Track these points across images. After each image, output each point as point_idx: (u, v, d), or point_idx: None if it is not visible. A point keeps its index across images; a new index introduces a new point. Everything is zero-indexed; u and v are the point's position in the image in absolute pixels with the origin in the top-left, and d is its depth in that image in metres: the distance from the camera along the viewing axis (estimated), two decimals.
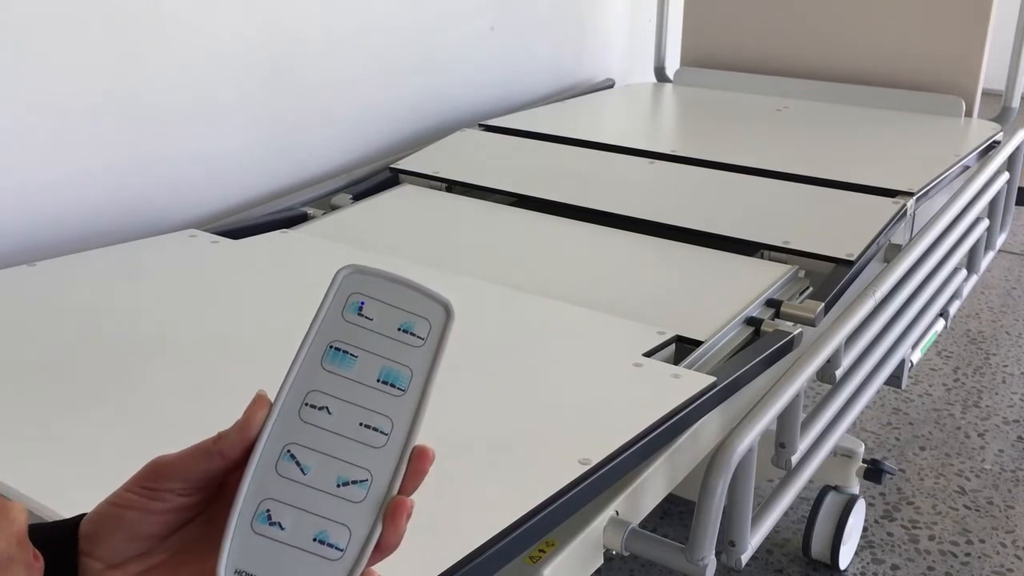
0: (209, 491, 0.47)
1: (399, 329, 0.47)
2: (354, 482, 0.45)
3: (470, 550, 0.71)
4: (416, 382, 0.46)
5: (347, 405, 0.46)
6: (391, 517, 0.44)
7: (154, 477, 0.46)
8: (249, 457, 0.45)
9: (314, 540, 0.44)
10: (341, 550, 0.44)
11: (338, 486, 0.45)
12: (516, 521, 0.75)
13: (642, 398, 0.97)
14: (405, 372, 0.46)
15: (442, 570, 0.69)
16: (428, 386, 0.46)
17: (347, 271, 0.47)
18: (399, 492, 0.45)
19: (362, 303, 0.47)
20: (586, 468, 0.82)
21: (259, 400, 0.46)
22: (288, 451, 0.45)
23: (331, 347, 0.46)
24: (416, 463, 0.46)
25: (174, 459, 0.46)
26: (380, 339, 0.46)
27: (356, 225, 1.48)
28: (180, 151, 1.52)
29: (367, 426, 0.45)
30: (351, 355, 0.46)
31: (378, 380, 0.46)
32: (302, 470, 0.45)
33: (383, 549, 0.45)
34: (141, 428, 0.89)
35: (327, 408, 0.45)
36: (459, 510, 0.78)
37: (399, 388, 0.46)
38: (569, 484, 0.80)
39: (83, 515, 0.48)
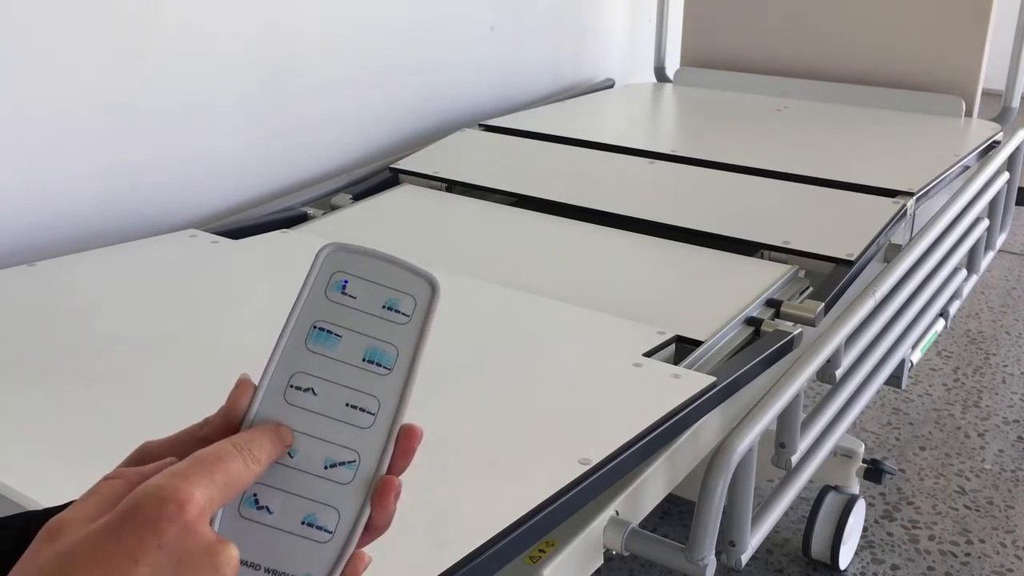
0: None
1: (384, 307, 0.46)
2: (342, 463, 0.45)
3: (470, 550, 0.71)
4: (402, 360, 0.46)
5: (333, 386, 0.45)
6: (379, 498, 0.44)
7: (143, 462, 0.46)
8: None
9: (303, 523, 0.44)
10: (330, 532, 0.44)
11: (326, 468, 0.44)
12: (516, 521, 0.75)
13: (642, 398, 0.97)
14: (391, 350, 0.46)
15: (442, 570, 0.69)
16: (414, 364, 0.46)
17: (329, 249, 0.46)
18: (388, 472, 0.45)
19: (345, 282, 0.46)
20: (586, 468, 0.82)
21: (242, 384, 0.45)
22: None
23: (315, 327, 0.46)
24: (404, 442, 0.45)
25: (161, 445, 0.46)
26: (365, 317, 0.46)
27: (356, 225, 1.48)
28: (180, 152, 1.52)
29: (353, 406, 0.45)
30: (335, 335, 0.46)
31: (363, 359, 0.45)
32: (289, 453, 0.44)
33: (373, 530, 0.45)
34: (140, 427, 0.88)
35: (312, 389, 0.45)
36: (459, 510, 0.78)
37: (385, 367, 0.46)
38: (569, 484, 0.80)
39: (71, 502, 0.48)
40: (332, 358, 0.45)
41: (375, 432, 0.45)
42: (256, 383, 0.45)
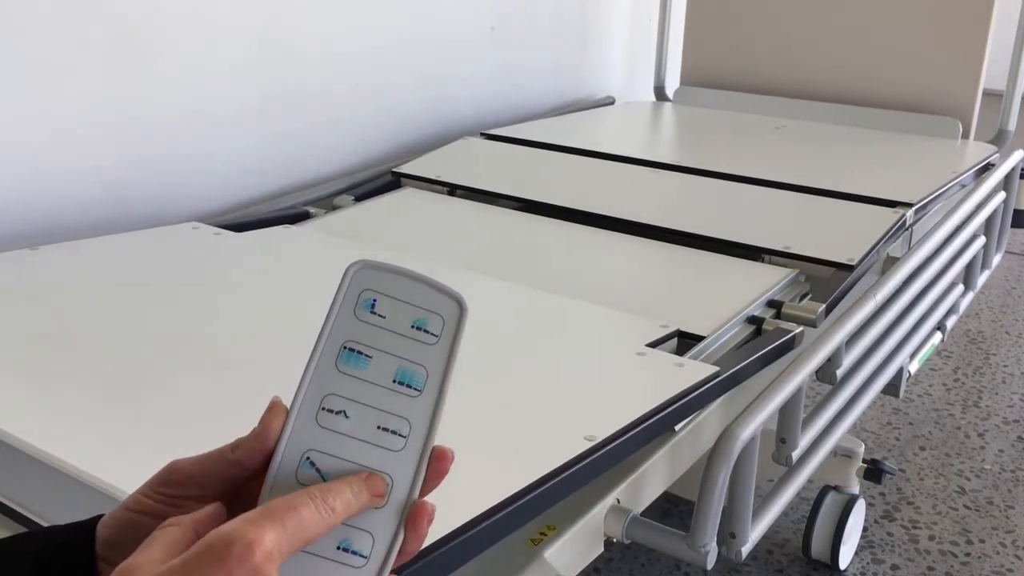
0: (228, 497, 0.46)
1: (413, 326, 0.46)
2: None
3: (472, 516, 0.71)
4: (432, 381, 0.45)
5: (364, 408, 0.45)
6: (413, 523, 0.44)
7: (171, 483, 0.46)
8: (268, 466, 0.45)
9: (338, 548, 0.43)
10: (365, 557, 0.44)
11: None
12: (521, 491, 0.75)
13: (646, 383, 0.97)
14: (420, 371, 0.45)
15: (446, 533, 0.69)
16: (444, 385, 0.45)
17: (357, 267, 0.46)
18: (420, 494, 0.45)
19: (374, 300, 0.46)
20: (591, 444, 0.82)
21: (275, 407, 0.45)
22: (308, 458, 0.44)
23: (345, 348, 0.45)
24: (436, 464, 0.45)
25: (191, 465, 0.46)
26: (394, 338, 0.45)
27: (358, 223, 1.49)
28: (182, 152, 1.53)
29: (385, 429, 0.45)
30: (366, 355, 0.45)
31: (394, 381, 0.45)
32: (322, 477, 0.44)
33: (404, 554, 0.45)
34: (136, 407, 0.88)
35: (344, 412, 0.45)
36: (463, 480, 0.77)
37: (415, 388, 0.45)
38: (575, 458, 0.80)
39: (99, 516, 0.48)
40: (363, 380, 0.45)
41: (407, 455, 0.45)
42: (288, 406, 0.45)
